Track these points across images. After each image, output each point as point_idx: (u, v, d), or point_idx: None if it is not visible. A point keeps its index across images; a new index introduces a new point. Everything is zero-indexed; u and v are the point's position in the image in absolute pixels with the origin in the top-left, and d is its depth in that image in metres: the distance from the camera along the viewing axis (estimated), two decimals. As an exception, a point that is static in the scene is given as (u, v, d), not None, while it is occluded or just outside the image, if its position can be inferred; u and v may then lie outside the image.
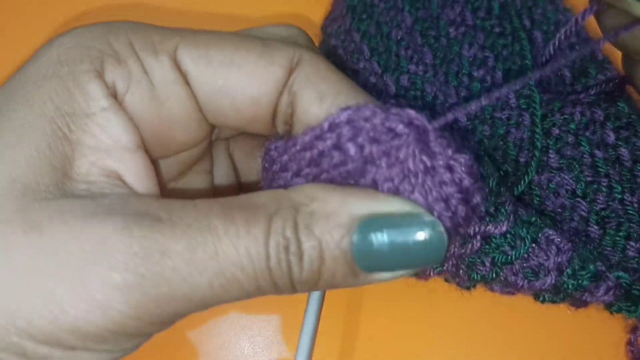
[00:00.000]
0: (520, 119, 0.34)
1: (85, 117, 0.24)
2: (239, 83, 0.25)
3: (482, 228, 0.29)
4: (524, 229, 0.29)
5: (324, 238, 0.22)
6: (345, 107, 0.24)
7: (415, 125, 0.23)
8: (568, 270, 0.29)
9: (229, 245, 0.22)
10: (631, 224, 0.32)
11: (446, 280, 0.33)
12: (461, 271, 0.31)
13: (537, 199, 0.33)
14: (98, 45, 0.24)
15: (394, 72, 0.35)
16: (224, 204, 0.23)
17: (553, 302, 0.31)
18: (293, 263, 0.22)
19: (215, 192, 0.35)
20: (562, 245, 0.29)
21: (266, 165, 0.26)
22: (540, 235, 0.29)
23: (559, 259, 0.29)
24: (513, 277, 0.30)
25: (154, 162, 0.28)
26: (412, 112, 0.23)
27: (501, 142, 0.34)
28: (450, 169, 0.23)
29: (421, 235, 0.22)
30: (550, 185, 0.33)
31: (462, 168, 0.23)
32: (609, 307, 0.31)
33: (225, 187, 0.36)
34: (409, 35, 0.36)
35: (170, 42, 0.25)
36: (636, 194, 0.33)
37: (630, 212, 0.32)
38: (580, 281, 0.29)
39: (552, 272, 0.29)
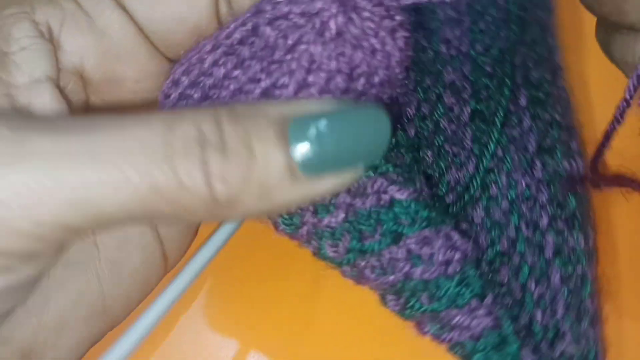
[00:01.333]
0: (466, 161, 0.32)
1: (3, 55, 0.23)
2: None
3: (379, 184, 0.26)
4: (426, 211, 0.27)
5: (253, 130, 0.19)
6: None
7: None
8: (457, 276, 0.26)
9: (112, 137, 0.18)
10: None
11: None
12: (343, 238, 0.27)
13: None
14: None
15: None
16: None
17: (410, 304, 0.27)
18: (211, 155, 0.19)
19: None
20: (460, 244, 0.27)
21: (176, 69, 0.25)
22: (439, 226, 0.27)
23: (450, 256, 0.26)
24: (396, 262, 0.26)
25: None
26: None
27: (437, 175, 0.32)
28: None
29: (364, 116, 0.21)
30: None
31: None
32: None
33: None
34: None
35: None
36: (545, 285, 0.30)
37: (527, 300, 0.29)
38: (464, 293, 0.26)
39: (438, 267, 0.26)
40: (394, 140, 0.29)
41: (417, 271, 0.26)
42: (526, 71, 0.35)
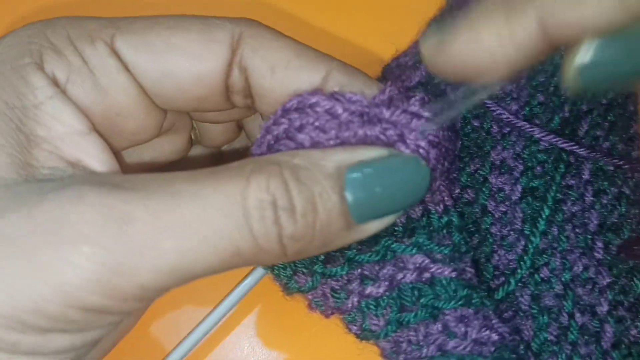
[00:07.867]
0: (515, 243, 0.31)
1: (34, 107, 0.23)
2: (181, 64, 0.25)
3: (421, 261, 0.27)
4: (465, 290, 0.27)
5: (315, 189, 0.21)
6: (296, 94, 0.25)
7: (355, 108, 0.24)
8: (491, 356, 0.26)
9: (196, 207, 0.20)
10: None
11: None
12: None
13: None
14: (36, 40, 0.25)
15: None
16: (192, 171, 0.22)
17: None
18: (283, 218, 0.21)
19: None
20: (498, 327, 0.26)
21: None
22: (479, 307, 0.26)
23: (486, 336, 0.26)
24: (431, 335, 0.27)
25: (117, 154, 0.28)
26: (351, 95, 0.24)
27: (483, 260, 0.31)
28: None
29: (408, 171, 0.22)
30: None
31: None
32: None
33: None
34: None
35: (106, 30, 0.25)
36: None
37: None
38: None
39: (472, 344, 0.26)
40: (446, 219, 0.29)
41: (451, 344, 0.26)
42: (594, 141, 0.32)
